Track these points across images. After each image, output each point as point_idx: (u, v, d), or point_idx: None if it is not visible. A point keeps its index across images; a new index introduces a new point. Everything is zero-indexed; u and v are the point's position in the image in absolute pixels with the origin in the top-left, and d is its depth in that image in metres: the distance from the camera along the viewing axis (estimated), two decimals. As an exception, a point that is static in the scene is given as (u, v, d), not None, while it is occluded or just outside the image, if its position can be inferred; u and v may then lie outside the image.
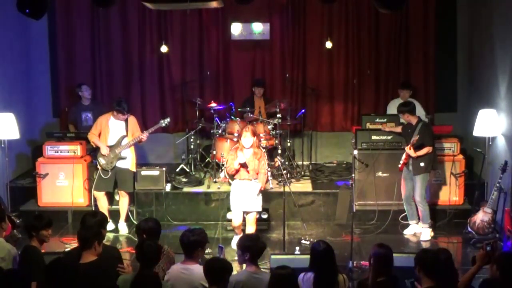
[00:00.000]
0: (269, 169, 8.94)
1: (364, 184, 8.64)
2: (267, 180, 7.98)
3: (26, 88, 10.09)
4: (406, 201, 8.15)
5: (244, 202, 7.42)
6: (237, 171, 7.41)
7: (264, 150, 9.00)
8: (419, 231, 8.09)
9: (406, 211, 8.24)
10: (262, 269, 5.46)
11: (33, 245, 5.39)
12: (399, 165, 8.04)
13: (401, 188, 8.19)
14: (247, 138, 7.40)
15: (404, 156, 7.95)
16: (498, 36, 8.61)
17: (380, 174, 8.66)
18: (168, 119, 8.48)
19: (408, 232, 8.19)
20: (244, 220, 7.54)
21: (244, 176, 7.41)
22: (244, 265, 5.33)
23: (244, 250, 5.18)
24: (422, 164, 7.83)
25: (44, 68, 10.44)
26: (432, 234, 8.07)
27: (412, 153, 7.78)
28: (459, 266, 6.56)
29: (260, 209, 7.60)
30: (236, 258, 5.49)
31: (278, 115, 9.44)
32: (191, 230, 5.24)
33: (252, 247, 5.15)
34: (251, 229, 7.45)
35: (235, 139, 8.88)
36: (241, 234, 7.41)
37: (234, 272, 5.59)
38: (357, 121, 10.03)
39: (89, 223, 5.50)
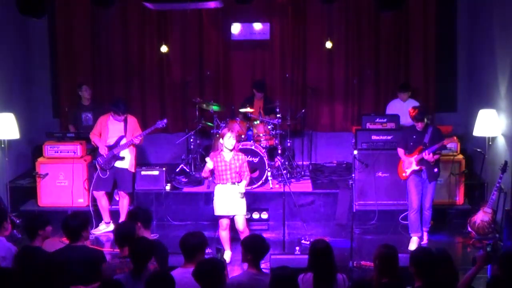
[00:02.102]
0: (269, 169, 8.95)
1: (364, 184, 8.63)
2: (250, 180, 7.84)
3: (26, 88, 10.10)
4: (417, 211, 7.65)
5: (228, 206, 7.25)
6: (207, 176, 7.34)
7: (264, 150, 9.03)
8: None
9: (412, 223, 7.71)
10: (263, 270, 5.45)
11: (37, 246, 5.38)
12: (405, 174, 7.67)
13: (412, 197, 7.67)
14: (231, 139, 7.22)
15: (412, 163, 7.56)
16: (498, 36, 8.62)
17: (380, 174, 8.65)
18: (165, 121, 8.45)
19: (413, 248, 7.48)
20: (231, 223, 7.39)
21: (227, 180, 7.23)
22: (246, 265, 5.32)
23: (247, 250, 5.17)
24: (436, 169, 7.57)
25: (44, 68, 10.44)
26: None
27: (431, 158, 7.40)
28: (459, 266, 6.55)
29: (245, 212, 7.39)
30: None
31: (278, 115, 9.44)
32: (191, 233, 5.23)
33: (255, 249, 5.14)
34: (242, 232, 7.28)
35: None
36: (229, 247, 7.39)
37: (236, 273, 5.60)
38: (357, 121, 10.03)
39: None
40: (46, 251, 5.36)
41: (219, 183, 7.29)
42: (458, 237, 8.09)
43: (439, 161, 7.68)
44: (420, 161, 7.53)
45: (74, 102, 9.78)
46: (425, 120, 7.56)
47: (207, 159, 7.30)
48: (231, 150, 7.26)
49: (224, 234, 7.38)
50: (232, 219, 7.37)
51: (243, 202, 7.31)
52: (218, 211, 7.32)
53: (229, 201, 7.25)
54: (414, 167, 7.56)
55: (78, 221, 5.40)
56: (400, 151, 7.76)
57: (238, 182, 7.26)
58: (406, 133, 7.87)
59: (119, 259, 5.20)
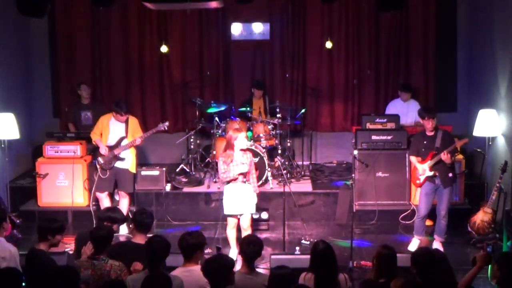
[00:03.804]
0: (269, 169, 8.95)
1: (364, 184, 8.63)
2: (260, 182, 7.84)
3: (26, 88, 10.10)
4: (423, 218, 7.55)
5: (238, 205, 7.25)
6: (235, 178, 7.26)
7: (264, 150, 9.03)
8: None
9: (417, 227, 7.63)
10: (258, 270, 5.47)
11: (41, 249, 5.38)
12: (419, 181, 7.47)
13: (421, 205, 7.53)
14: (244, 140, 7.22)
15: (426, 170, 7.35)
16: (498, 36, 8.62)
17: (380, 174, 8.64)
18: (167, 123, 8.44)
19: (412, 248, 7.51)
20: (239, 222, 7.39)
21: (239, 181, 7.22)
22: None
23: (239, 250, 5.24)
24: (450, 174, 7.39)
25: (44, 68, 10.45)
26: None
27: (448, 159, 7.18)
28: (459, 266, 6.56)
29: (254, 211, 7.40)
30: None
31: (278, 115, 9.44)
32: (189, 233, 5.25)
33: (245, 251, 5.17)
34: (246, 232, 7.27)
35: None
36: (235, 245, 7.36)
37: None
38: (357, 121, 10.03)
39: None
40: (48, 256, 5.37)
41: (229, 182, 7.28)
42: (458, 237, 8.07)
43: (454, 165, 7.51)
44: (434, 167, 7.35)
45: (73, 101, 9.79)
46: (434, 119, 7.33)
47: (244, 165, 7.15)
48: (241, 150, 7.26)
49: (231, 233, 7.38)
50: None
51: (252, 202, 7.31)
52: (227, 210, 7.32)
53: (238, 200, 7.24)
54: (428, 173, 7.36)
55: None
56: (413, 159, 7.56)
57: (247, 181, 7.25)
58: (416, 139, 7.64)
59: (89, 258, 5.22)
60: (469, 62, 10.06)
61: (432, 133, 7.40)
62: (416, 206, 7.90)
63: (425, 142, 7.43)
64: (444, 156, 7.23)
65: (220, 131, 9.44)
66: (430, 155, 7.38)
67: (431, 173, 7.35)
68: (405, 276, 4.79)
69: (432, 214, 7.74)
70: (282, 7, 10.33)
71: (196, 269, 5.05)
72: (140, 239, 5.66)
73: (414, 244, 7.62)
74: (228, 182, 7.28)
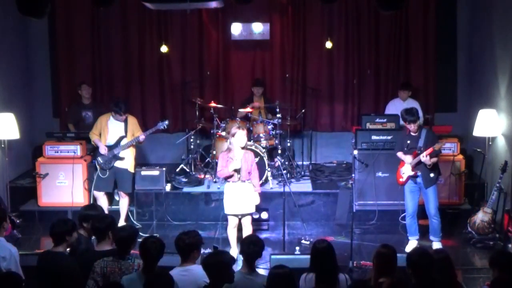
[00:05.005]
0: (269, 169, 8.95)
1: (364, 184, 8.63)
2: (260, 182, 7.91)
3: (26, 88, 10.11)
4: (412, 216, 7.58)
5: (238, 205, 7.26)
6: (231, 175, 7.27)
7: (264, 150, 9.03)
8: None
9: (408, 227, 7.66)
10: (258, 270, 5.47)
11: (60, 251, 5.34)
12: (402, 179, 7.55)
13: (407, 203, 7.57)
14: (243, 137, 7.22)
15: (408, 169, 7.44)
16: (498, 36, 8.62)
17: (380, 174, 8.64)
18: (167, 122, 8.45)
19: (409, 250, 7.40)
20: (240, 222, 7.41)
21: (236, 179, 7.24)
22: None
23: (240, 249, 5.26)
24: (432, 174, 7.39)
25: (44, 68, 10.45)
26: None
27: (428, 160, 7.21)
28: (459, 266, 6.56)
29: (254, 211, 7.43)
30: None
31: (278, 115, 9.44)
32: (186, 233, 5.25)
33: (245, 251, 5.18)
34: (247, 231, 7.31)
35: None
36: (235, 245, 7.38)
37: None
38: (357, 121, 10.03)
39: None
40: (70, 257, 5.36)
41: (229, 181, 7.30)
42: (458, 237, 8.07)
43: (437, 165, 7.51)
44: (416, 166, 7.40)
45: (74, 101, 9.79)
46: (417, 122, 7.36)
47: (234, 162, 7.16)
48: (242, 148, 7.25)
49: (232, 233, 7.40)
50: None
51: (253, 201, 7.31)
52: (228, 210, 7.33)
53: (239, 199, 7.25)
54: (410, 172, 7.44)
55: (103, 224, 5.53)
56: (400, 154, 7.62)
57: (247, 180, 7.25)
58: (401, 137, 7.73)
59: (115, 258, 5.22)
60: (469, 62, 10.06)
61: (416, 134, 7.44)
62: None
63: (408, 141, 7.47)
64: (423, 158, 7.24)
65: (220, 131, 9.44)
66: (413, 154, 7.41)
67: (412, 173, 7.40)
68: (392, 276, 4.80)
69: (425, 213, 7.72)
70: (282, 7, 10.34)
71: (193, 269, 5.07)
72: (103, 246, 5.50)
73: (410, 246, 7.58)
74: (227, 180, 7.28)
